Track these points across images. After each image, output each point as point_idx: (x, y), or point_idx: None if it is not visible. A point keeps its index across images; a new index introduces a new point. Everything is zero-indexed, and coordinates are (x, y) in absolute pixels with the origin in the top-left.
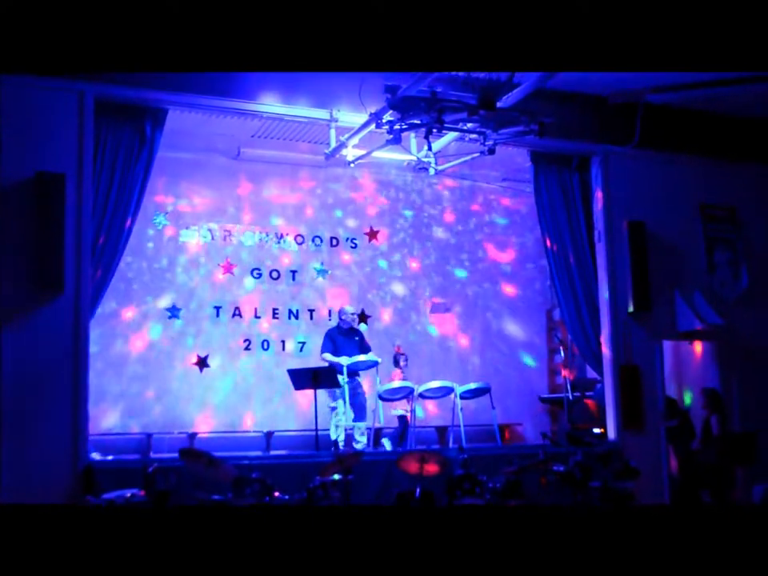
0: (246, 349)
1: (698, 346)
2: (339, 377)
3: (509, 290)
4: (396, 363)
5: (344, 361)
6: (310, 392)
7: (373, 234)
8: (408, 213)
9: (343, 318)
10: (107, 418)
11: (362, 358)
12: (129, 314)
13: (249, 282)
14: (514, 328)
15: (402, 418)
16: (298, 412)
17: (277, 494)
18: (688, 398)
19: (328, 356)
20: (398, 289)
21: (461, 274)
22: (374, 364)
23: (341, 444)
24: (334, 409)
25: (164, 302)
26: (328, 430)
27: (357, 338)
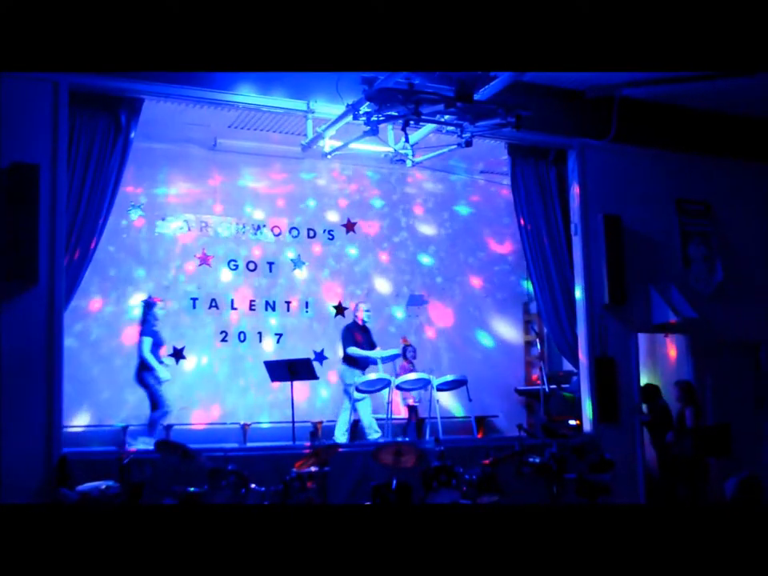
0: (223, 341)
1: (672, 351)
2: (358, 372)
3: (486, 282)
4: (404, 355)
5: (377, 354)
6: (287, 384)
7: (350, 226)
8: (385, 205)
9: (357, 314)
10: (82, 409)
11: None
12: (104, 305)
13: (225, 273)
14: (490, 320)
15: (413, 409)
16: (274, 404)
17: (253, 485)
18: None
19: (356, 350)
20: (375, 281)
21: (438, 266)
22: (398, 355)
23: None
24: (357, 401)
25: (139, 293)
26: (304, 422)
27: (369, 334)
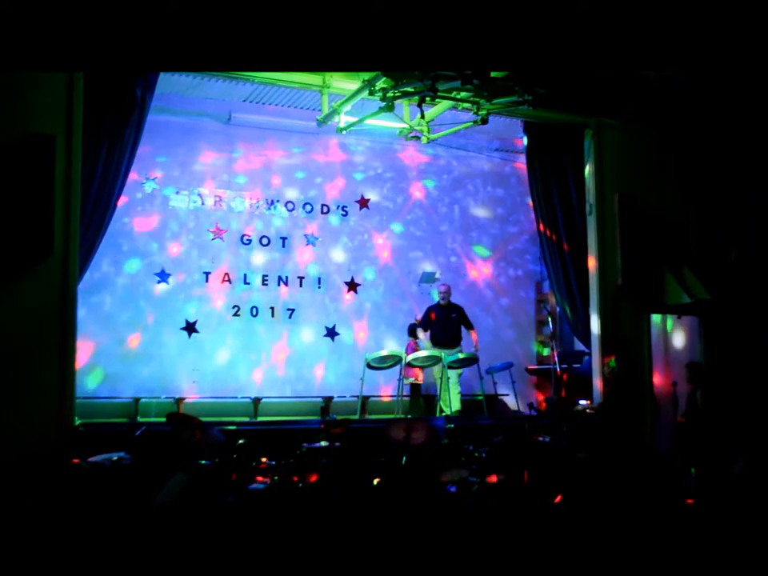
0: (235, 315)
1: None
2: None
3: (499, 261)
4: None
5: None
6: (299, 359)
7: (363, 203)
8: (399, 182)
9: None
10: (94, 381)
11: None
12: (118, 278)
13: (238, 247)
14: (503, 300)
15: (415, 386)
16: (285, 379)
17: (264, 459)
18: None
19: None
20: (388, 257)
21: (450, 243)
22: None
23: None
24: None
25: (153, 266)
26: (315, 397)
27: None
